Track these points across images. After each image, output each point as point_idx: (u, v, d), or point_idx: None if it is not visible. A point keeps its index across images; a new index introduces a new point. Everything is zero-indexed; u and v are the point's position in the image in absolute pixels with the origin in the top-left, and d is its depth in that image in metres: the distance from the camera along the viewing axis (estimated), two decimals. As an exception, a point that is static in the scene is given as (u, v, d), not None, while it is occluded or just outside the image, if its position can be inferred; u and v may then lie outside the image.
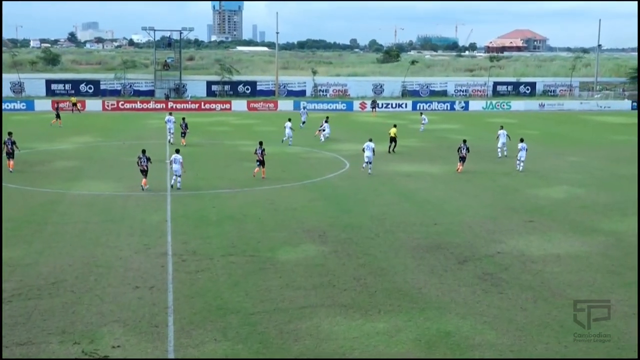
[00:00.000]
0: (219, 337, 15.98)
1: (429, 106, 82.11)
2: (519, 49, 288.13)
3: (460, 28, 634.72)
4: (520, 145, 38.84)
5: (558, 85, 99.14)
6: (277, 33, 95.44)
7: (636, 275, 20.71)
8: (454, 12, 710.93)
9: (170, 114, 54.97)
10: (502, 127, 45.30)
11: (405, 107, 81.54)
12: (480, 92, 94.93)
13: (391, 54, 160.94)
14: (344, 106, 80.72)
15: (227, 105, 78.89)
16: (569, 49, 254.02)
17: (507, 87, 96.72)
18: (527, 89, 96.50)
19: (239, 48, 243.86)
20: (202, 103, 79.29)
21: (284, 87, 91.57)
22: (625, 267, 21.54)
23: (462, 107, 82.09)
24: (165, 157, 42.19)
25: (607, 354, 15.55)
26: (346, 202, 30.24)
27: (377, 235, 24.82)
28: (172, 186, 32.66)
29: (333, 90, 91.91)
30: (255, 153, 35.36)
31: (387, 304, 18.04)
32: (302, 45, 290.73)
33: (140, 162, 32.24)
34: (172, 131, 50.20)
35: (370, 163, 37.05)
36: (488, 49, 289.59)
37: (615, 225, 26.77)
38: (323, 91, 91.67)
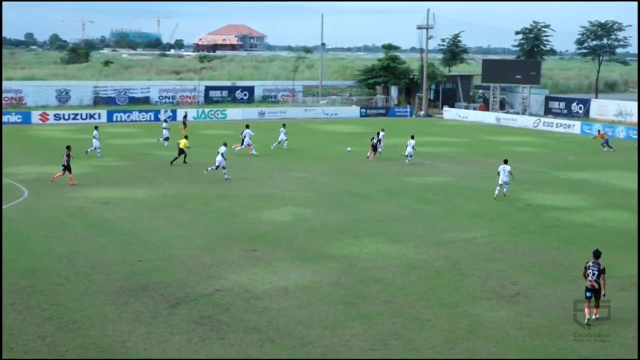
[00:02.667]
0: None
1: (128, 117, 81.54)
2: (233, 47, 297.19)
3: (163, 22, 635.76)
4: (409, 142, 50.83)
5: (279, 89, 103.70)
6: None
7: (370, 305, 22.25)
8: (154, 3, 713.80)
9: None
10: (382, 129, 56.82)
11: (99, 117, 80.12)
12: (190, 98, 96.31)
13: (79, 53, 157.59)
14: (19, 118, 77.32)
15: None
16: (290, 48, 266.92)
17: (221, 93, 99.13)
18: (245, 95, 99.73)
19: None
20: None
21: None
22: (360, 296, 23.03)
23: (169, 117, 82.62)
24: None
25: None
26: (25, 241, 28.95)
27: (67, 279, 24.06)
28: None
29: (5, 99, 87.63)
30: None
31: (82, 366, 17.51)
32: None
33: None
34: None
35: (221, 168, 43.68)
36: (198, 47, 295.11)
37: (347, 249, 28.55)
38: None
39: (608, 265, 22.35)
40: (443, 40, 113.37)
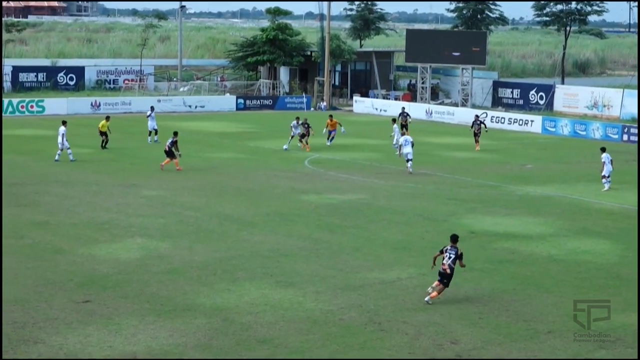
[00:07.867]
0: None
1: None
2: (53, 11, 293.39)
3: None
4: (404, 138, 54.02)
5: (121, 71, 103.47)
6: None
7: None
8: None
9: None
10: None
11: None
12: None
13: None
14: None
15: None
16: (135, 13, 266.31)
17: (36, 76, 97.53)
18: (71, 79, 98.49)
19: None
20: None
21: None
22: (239, 364, 22.95)
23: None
24: None
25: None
26: None
27: None
28: None
29: None
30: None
31: None
32: None
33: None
34: None
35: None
36: None
37: (220, 297, 28.27)
38: None
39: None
40: (351, 3, 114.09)
